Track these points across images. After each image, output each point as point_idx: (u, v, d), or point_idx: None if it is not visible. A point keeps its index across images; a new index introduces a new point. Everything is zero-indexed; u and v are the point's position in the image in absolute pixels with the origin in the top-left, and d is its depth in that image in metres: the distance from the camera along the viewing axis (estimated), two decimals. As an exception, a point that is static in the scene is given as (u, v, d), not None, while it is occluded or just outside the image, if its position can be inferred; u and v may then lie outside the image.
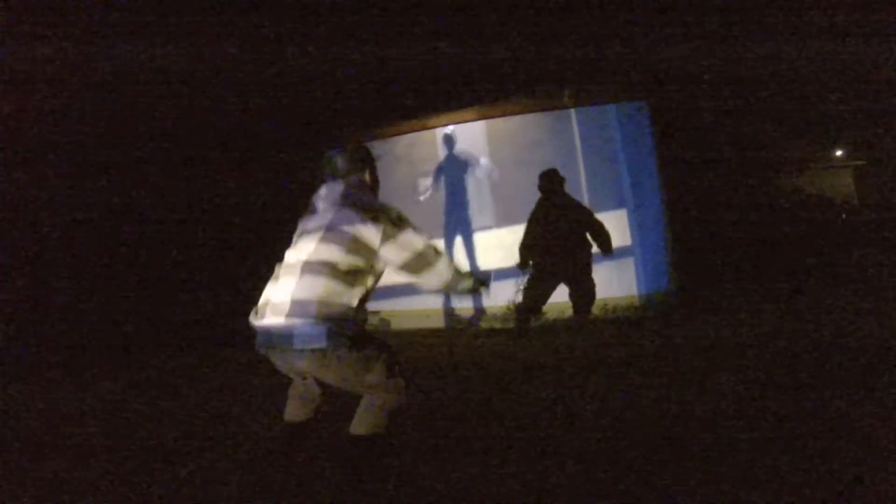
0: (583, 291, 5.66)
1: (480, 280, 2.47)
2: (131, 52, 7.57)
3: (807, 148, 15.15)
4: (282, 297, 2.12)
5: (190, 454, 3.12)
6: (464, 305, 6.87)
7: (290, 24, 8.10)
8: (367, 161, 2.41)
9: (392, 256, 2.21)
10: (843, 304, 5.71)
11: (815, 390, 3.29)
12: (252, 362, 5.36)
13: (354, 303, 2.13)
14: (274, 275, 2.27)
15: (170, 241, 8.22)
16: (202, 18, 7.57)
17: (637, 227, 6.41)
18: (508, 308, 6.46)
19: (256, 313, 2.21)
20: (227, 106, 8.41)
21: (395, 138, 7.20)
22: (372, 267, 2.20)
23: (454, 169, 6.96)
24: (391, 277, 2.37)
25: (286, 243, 2.38)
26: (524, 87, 7.41)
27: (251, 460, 2.96)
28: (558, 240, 5.56)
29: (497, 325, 6.38)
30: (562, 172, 5.70)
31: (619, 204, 6.28)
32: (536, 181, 5.69)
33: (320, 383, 2.28)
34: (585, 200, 6.16)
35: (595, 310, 5.94)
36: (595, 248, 5.57)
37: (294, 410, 2.32)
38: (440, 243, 2.28)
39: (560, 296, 6.09)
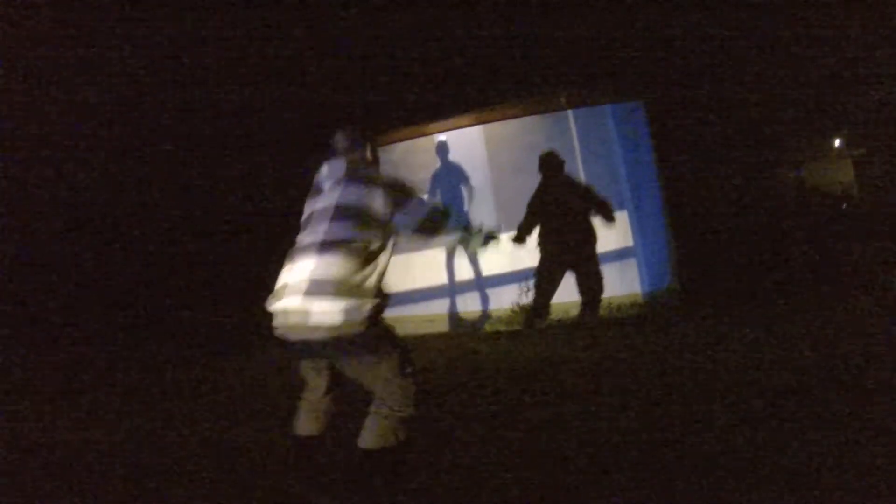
0: (591, 280, 5.71)
1: (489, 233, 2.54)
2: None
3: (806, 139, 15.12)
4: (299, 278, 2.14)
5: (196, 466, 3.14)
6: (467, 309, 6.89)
7: (291, 24, 8.12)
8: (367, 138, 2.48)
9: (402, 221, 2.28)
10: (845, 299, 5.69)
11: (819, 390, 3.28)
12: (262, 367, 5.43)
13: (373, 281, 2.16)
14: (289, 258, 2.29)
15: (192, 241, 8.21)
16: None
17: (638, 227, 6.42)
18: (513, 311, 6.49)
19: (274, 297, 2.23)
20: (226, 106, 8.43)
21: (392, 146, 7.19)
22: (386, 239, 2.25)
23: (450, 176, 6.99)
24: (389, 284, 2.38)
25: (294, 229, 2.42)
26: (520, 89, 7.43)
27: (262, 472, 2.98)
28: (561, 219, 5.62)
29: (502, 328, 6.39)
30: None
31: (620, 205, 6.29)
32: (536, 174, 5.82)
33: (333, 380, 2.27)
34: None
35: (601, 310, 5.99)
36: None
37: (306, 423, 2.33)
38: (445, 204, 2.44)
39: (562, 296, 6.15)
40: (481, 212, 6.56)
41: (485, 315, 6.74)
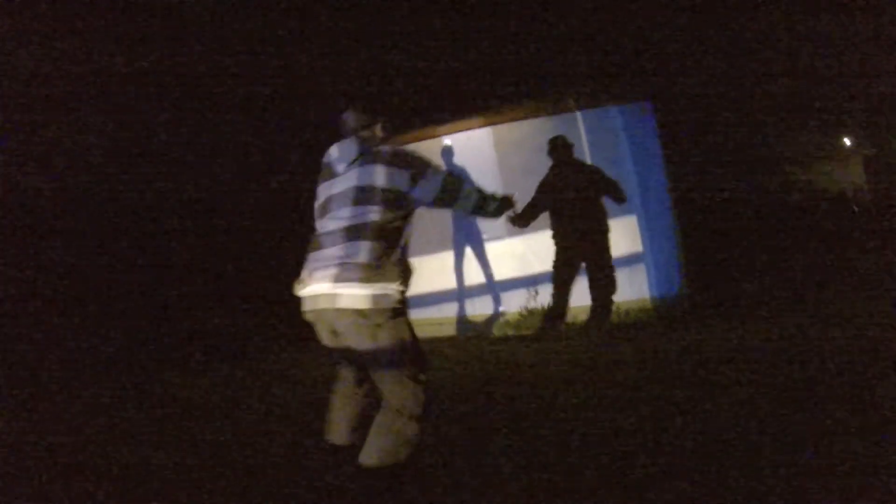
0: (603, 276, 5.74)
1: (506, 198, 2.57)
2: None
3: (814, 138, 14.99)
4: (327, 264, 2.16)
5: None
6: (476, 312, 6.88)
7: (295, 27, 8.11)
8: (377, 115, 2.47)
9: (424, 195, 2.29)
10: (857, 301, 5.65)
11: (830, 395, 3.25)
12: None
13: (399, 260, 2.19)
14: (313, 245, 2.29)
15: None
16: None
17: (647, 230, 6.38)
18: (521, 315, 6.47)
19: (301, 283, 2.25)
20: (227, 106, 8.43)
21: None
22: (408, 215, 2.28)
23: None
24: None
25: (308, 212, 2.44)
26: (529, 91, 7.40)
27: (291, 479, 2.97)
28: (573, 203, 5.69)
29: (511, 332, 6.37)
30: None
31: (629, 209, 6.25)
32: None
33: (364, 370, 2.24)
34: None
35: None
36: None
37: (337, 432, 2.30)
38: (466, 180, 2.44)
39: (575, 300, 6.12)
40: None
41: (494, 319, 6.73)
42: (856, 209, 11.47)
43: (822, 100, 12.31)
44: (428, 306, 6.69)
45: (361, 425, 2.26)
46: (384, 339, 2.12)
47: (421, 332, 2.40)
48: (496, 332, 6.48)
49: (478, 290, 6.83)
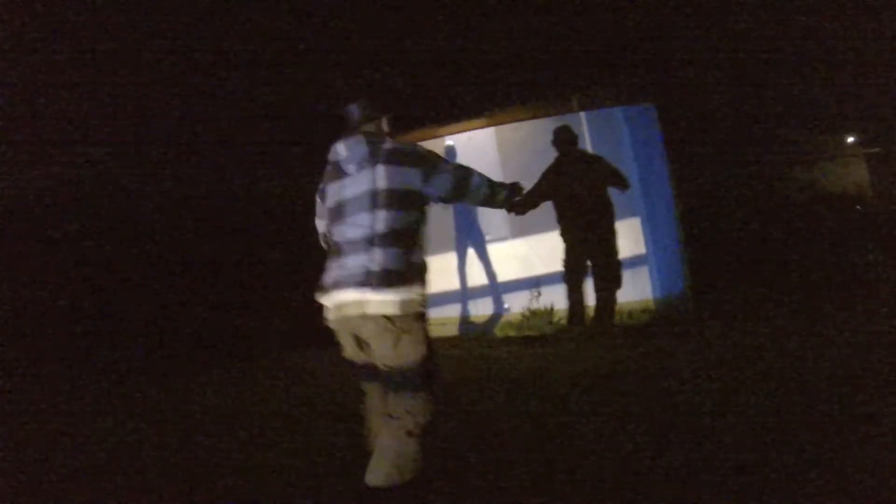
0: (609, 269, 5.79)
1: (513, 186, 2.58)
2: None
3: (818, 137, 14.92)
4: (352, 272, 2.17)
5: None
6: (478, 313, 6.88)
7: (304, 23, 8.08)
8: (382, 109, 2.43)
9: (437, 191, 2.31)
10: (860, 304, 5.64)
11: (833, 396, 3.26)
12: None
13: (420, 261, 2.23)
14: (333, 251, 2.29)
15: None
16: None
17: (651, 233, 6.38)
18: (524, 316, 6.47)
19: (324, 291, 2.25)
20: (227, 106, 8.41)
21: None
22: (424, 213, 2.30)
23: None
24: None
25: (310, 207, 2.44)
26: (533, 91, 7.39)
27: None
28: (578, 194, 5.74)
29: (513, 334, 6.37)
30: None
31: (632, 211, 6.25)
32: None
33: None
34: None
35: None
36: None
37: (377, 473, 2.14)
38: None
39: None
40: (492, 214, 6.53)
41: (495, 320, 6.73)
42: (859, 208, 11.44)
43: (826, 99, 12.27)
44: (431, 307, 6.68)
45: (403, 473, 2.18)
46: (407, 345, 2.15)
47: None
48: (498, 333, 6.48)
49: (480, 292, 6.83)
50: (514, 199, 2.64)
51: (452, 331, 6.76)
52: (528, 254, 6.09)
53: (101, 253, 7.77)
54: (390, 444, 2.13)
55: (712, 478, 2.48)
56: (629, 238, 6.08)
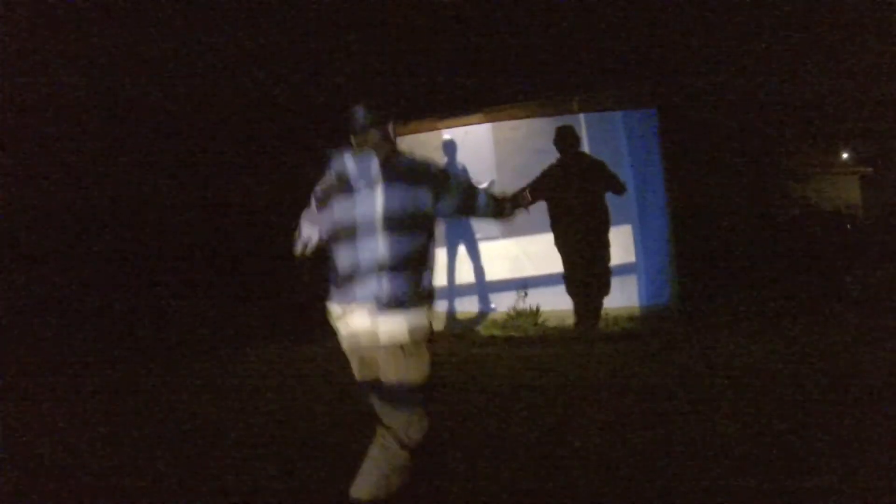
0: (599, 275, 5.75)
1: (517, 196, 2.60)
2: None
3: (813, 153, 15.00)
4: (363, 298, 2.14)
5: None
6: (464, 310, 6.84)
7: (299, 22, 8.01)
8: (387, 114, 2.34)
9: (446, 208, 2.28)
10: (848, 319, 5.68)
11: (821, 409, 3.28)
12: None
13: (430, 281, 2.23)
14: (343, 273, 2.22)
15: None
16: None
17: (642, 241, 6.36)
18: (510, 316, 6.44)
19: (337, 316, 2.23)
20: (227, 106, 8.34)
21: (401, 138, 7.07)
22: (433, 231, 2.28)
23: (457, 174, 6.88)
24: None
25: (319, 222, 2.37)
26: (532, 91, 7.33)
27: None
28: (576, 194, 5.73)
29: (497, 333, 6.34)
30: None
31: (626, 219, 6.22)
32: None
33: None
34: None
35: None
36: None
37: (364, 488, 2.13)
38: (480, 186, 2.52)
39: (563, 304, 6.11)
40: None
41: (481, 318, 6.70)
42: (849, 227, 11.52)
43: (822, 115, 12.32)
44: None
45: (389, 487, 2.14)
46: (413, 366, 2.14)
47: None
48: (483, 331, 6.45)
49: (468, 289, 6.79)
50: (514, 200, 2.64)
51: (437, 326, 6.71)
52: (518, 255, 6.04)
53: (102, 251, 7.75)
54: (382, 455, 2.13)
55: (696, 484, 2.49)
56: (620, 245, 6.04)
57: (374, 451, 2.16)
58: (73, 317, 7.16)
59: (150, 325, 7.27)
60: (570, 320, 6.09)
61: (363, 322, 2.15)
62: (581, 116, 6.60)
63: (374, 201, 2.19)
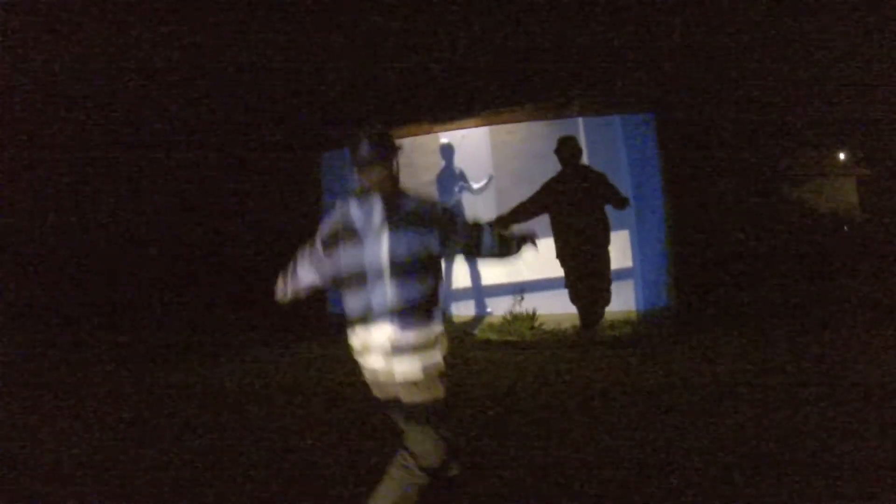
0: (600, 285, 5.72)
1: (523, 237, 2.56)
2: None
3: (811, 155, 15.00)
4: (378, 341, 2.20)
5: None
6: (461, 313, 6.83)
7: (296, 25, 8.00)
8: (392, 149, 2.32)
9: (451, 250, 2.33)
10: (845, 321, 5.68)
11: (818, 411, 3.29)
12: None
13: (439, 320, 2.26)
14: (357, 317, 2.26)
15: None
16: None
17: (639, 246, 6.35)
18: (505, 319, 6.43)
19: (356, 352, 2.30)
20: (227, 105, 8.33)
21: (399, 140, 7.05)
22: (440, 270, 2.32)
23: (453, 179, 6.88)
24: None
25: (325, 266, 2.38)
26: (530, 94, 7.32)
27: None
28: (578, 207, 5.66)
29: (494, 336, 6.32)
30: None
31: (623, 225, 6.21)
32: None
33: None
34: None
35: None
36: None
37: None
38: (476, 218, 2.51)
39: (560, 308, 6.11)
40: (483, 216, 6.47)
41: (477, 321, 6.69)
42: (846, 229, 11.52)
43: (820, 118, 12.30)
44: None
45: None
46: (428, 398, 2.20)
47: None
48: (479, 335, 6.44)
49: (464, 294, 6.78)
50: (521, 238, 2.59)
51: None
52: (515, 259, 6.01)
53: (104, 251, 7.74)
54: (401, 475, 2.18)
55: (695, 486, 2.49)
56: (617, 250, 6.03)
57: (393, 471, 2.20)
58: (73, 317, 7.15)
59: (150, 324, 7.25)
60: (567, 324, 6.09)
61: (378, 363, 2.23)
62: (579, 120, 6.60)
63: (380, 249, 2.22)
